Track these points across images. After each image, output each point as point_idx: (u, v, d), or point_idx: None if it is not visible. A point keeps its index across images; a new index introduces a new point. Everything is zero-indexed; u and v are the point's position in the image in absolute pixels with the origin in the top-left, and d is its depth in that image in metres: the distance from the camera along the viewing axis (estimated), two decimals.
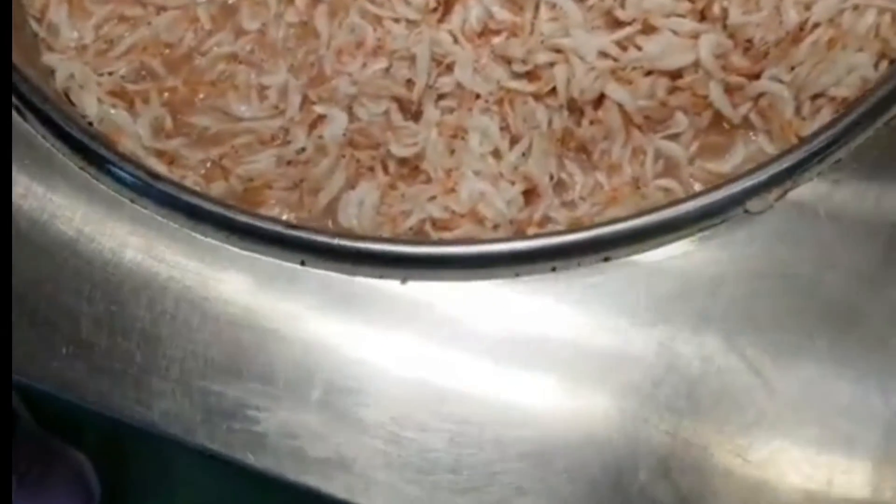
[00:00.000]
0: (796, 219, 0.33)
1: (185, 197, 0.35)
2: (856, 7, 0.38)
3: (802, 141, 0.34)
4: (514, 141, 0.39)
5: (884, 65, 0.38)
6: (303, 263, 0.34)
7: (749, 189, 0.33)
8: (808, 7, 0.39)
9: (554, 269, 0.34)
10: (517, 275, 0.34)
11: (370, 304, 0.33)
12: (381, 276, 0.34)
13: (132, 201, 0.36)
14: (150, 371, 0.34)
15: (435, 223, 0.37)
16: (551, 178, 0.38)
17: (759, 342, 0.32)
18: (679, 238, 0.33)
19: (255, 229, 0.34)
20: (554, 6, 0.39)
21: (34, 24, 0.43)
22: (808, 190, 0.34)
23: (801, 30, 0.38)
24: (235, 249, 0.35)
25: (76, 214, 0.36)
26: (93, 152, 0.37)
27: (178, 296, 0.34)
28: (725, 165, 0.39)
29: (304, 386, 0.33)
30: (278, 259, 0.34)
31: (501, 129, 0.39)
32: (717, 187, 0.33)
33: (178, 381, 0.33)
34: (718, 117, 0.38)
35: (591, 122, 0.39)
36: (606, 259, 0.34)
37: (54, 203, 0.37)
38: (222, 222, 0.34)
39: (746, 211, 0.33)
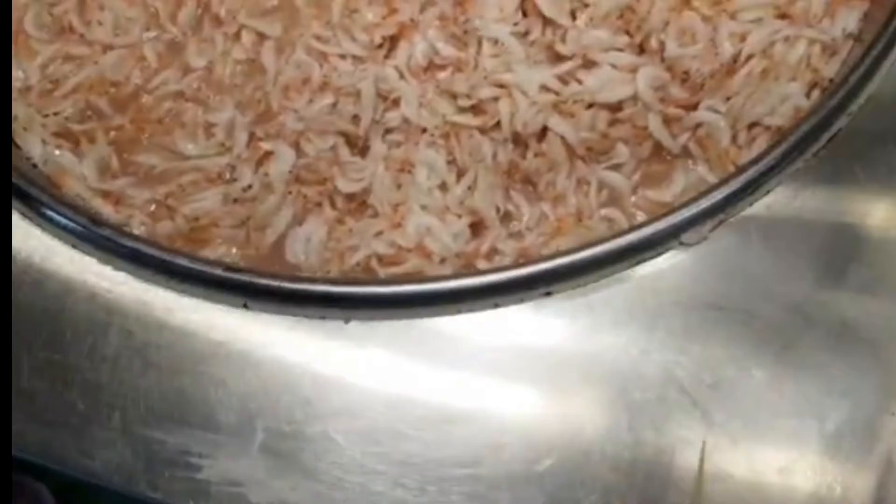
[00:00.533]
0: (730, 249, 0.34)
1: (127, 242, 0.35)
2: (787, 38, 0.39)
3: (734, 172, 0.34)
4: (460, 174, 0.39)
5: (816, 94, 0.39)
6: (245, 306, 0.34)
7: (684, 221, 0.34)
8: (742, 38, 0.40)
9: (497, 305, 0.34)
10: (459, 311, 0.34)
11: (313, 346, 0.33)
12: (323, 317, 0.34)
13: (74, 246, 0.36)
14: (92, 420, 0.33)
15: (381, 259, 0.37)
16: (497, 210, 0.39)
17: (697, 374, 0.32)
18: (617, 271, 0.34)
19: (196, 273, 0.34)
20: (496, 42, 0.40)
21: None
22: (741, 221, 0.34)
23: (735, 61, 0.39)
24: (178, 294, 0.35)
25: (17, 261, 0.36)
26: (33, 198, 0.36)
27: (120, 343, 0.34)
28: (667, 194, 0.39)
29: (246, 432, 0.32)
30: (220, 303, 0.34)
31: (448, 162, 0.39)
32: (653, 220, 0.34)
33: (120, 429, 0.33)
34: (658, 147, 0.39)
35: (536, 155, 0.39)
36: (548, 294, 0.34)
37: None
38: (164, 267, 0.34)
39: (682, 243, 0.34)
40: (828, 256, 0.34)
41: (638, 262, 0.34)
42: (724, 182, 0.34)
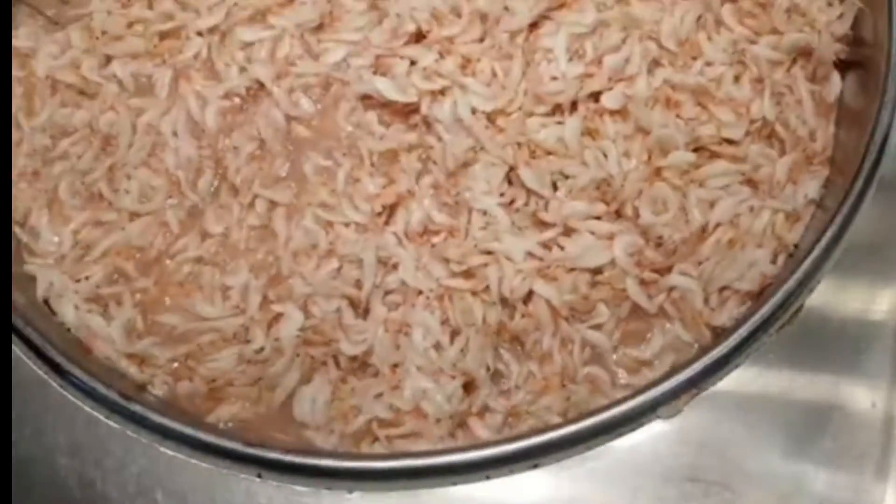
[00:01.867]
0: (703, 423, 0.37)
1: (154, 416, 0.38)
2: (752, 209, 0.42)
3: (705, 348, 0.37)
4: (454, 335, 0.42)
5: (781, 258, 0.42)
6: (259, 476, 0.38)
7: (660, 396, 0.37)
8: (711, 205, 0.43)
9: (488, 477, 0.37)
10: (454, 483, 0.37)
11: None
12: (329, 488, 0.37)
13: (106, 418, 0.39)
14: None
15: (381, 422, 0.40)
16: (488, 369, 0.42)
17: None
18: (600, 444, 0.37)
19: (215, 447, 0.37)
20: (485, 213, 0.43)
21: (17, 230, 0.47)
22: (714, 395, 0.37)
23: (705, 230, 0.42)
24: (198, 463, 0.38)
25: (55, 428, 0.40)
26: (65, 371, 0.40)
27: None
28: (646, 352, 0.42)
29: None
30: (237, 472, 0.38)
31: (442, 323, 0.42)
32: (630, 396, 0.37)
33: None
34: (636, 307, 0.42)
35: (523, 316, 0.43)
36: (536, 466, 0.37)
37: (40, 419, 0.40)
38: (187, 440, 0.38)
39: (658, 416, 0.37)
40: (797, 429, 0.36)
41: (618, 436, 0.37)
42: (697, 357, 0.37)
